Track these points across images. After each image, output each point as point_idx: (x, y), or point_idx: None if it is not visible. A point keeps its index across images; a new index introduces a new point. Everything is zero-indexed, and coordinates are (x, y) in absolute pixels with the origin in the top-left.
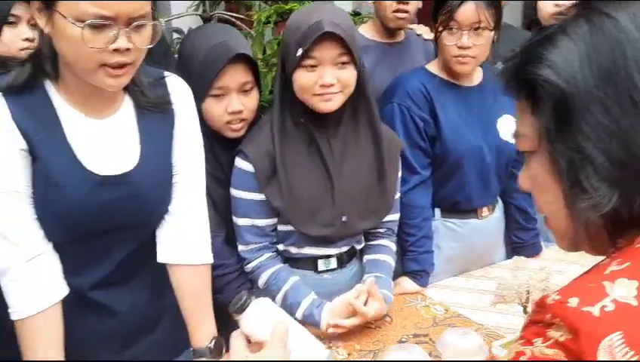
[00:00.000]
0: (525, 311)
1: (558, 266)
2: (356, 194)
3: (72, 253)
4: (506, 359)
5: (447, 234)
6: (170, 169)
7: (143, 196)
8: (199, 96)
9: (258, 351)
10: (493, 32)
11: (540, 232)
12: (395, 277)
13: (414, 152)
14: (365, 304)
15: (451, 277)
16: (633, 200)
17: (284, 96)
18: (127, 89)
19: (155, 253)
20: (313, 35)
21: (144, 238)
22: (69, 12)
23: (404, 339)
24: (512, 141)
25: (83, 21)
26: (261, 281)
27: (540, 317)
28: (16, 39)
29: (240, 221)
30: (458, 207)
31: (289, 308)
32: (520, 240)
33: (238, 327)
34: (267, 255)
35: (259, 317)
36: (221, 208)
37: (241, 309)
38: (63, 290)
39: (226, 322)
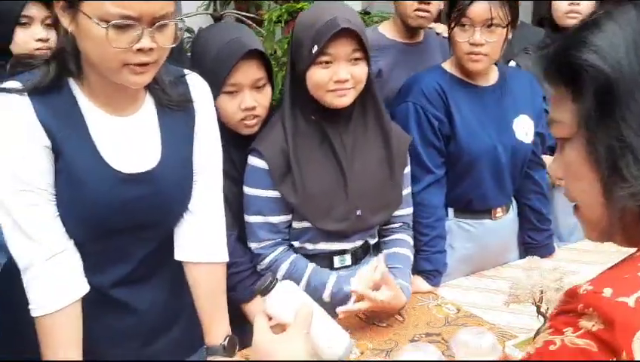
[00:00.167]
0: (539, 311)
1: (571, 266)
2: (369, 189)
3: (94, 251)
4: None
5: (461, 234)
6: (191, 167)
7: (164, 194)
8: (212, 94)
9: (280, 332)
10: (506, 30)
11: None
12: None
13: (428, 151)
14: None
15: (463, 276)
16: None
17: (295, 93)
18: (148, 87)
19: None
20: (329, 32)
21: (164, 237)
22: (94, 12)
23: (416, 338)
24: (528, 141)
25: (107, 21)
26: (280, 273)
27: (571, 307)
28: (30, 40)
29: (253, 218)
30: (472, 207)
31: (314, 291)
32: (533, 240)
33: (251, 327)
34: (281, 248)
35: (283, 299)
36: (234, 206)
37: (267, 290)
38: (84, 288)
39: (239, 320)
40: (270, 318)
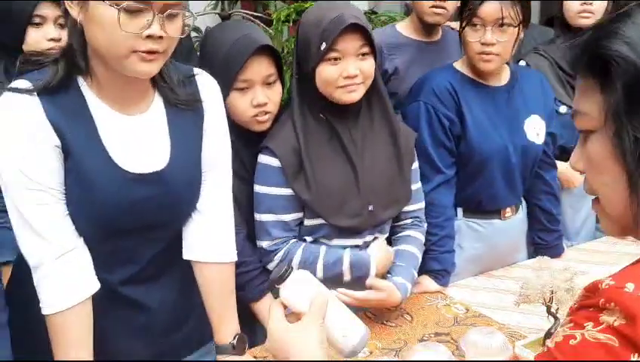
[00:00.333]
0: (549, 312)
1: (581, 267)
2: (379, 184)
3: (103, 251)
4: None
5: (470, 234)
6: (200, 167)
7: (173, 194)
8: (224, 91)
9: (295, 321)
10: (518, 29)
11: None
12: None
13: (439, 151)
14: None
15: (472, 276)
16: None
17: (303, 92)
18: (157, 87)
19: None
20: (337, 29)
21: (173, 236)
22: None
23: (425, 338)
24: (539, 142)
25: (118, 4)
26: (296, 261)
27: (592, 302)
28: (42, 39)
29: (265, 217)
30: (482, 207)
31: (333, 265)
32: (543, 241)
33: (261, 326)
34: (291, 241)
35: (298, 288)
36: (243, 205)
37: (282, 279)
38: (94, 286)
39: (248, 319)
40: (285, 307)
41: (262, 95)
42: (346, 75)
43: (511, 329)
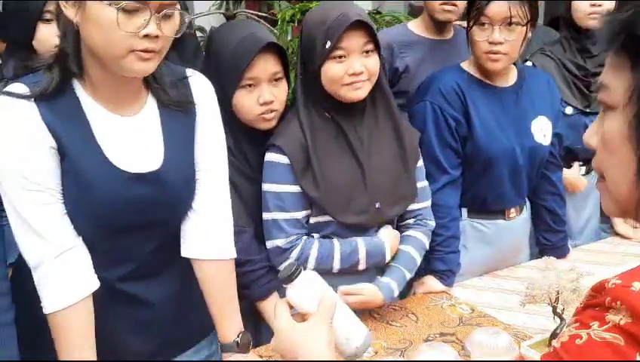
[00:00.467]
0: (554, 312)
1: (585, 267)
2: (386, 181)
3: (101, 249)
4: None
5: (474, 234)
6: (194, 167)
7: (169, 194)
8: (230, 89)
9: (300, 321)
10: (526, 28)
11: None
12: (421, 275)
13: (445, 152)
14: None
15: (476, 277)
16: None
17: (308, 91)
18: (150, 88)
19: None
20: (342, 26)
21: (171, 234)
22: None
23: (430, 338)
24: (546, 143)
25: (117, 4)
26: (313, 256)
27: (598, 301)
28: (52, 36)
29: (278, 215)
30: (486, 208)
31: (349, 256)
32: (548, 241)
33: (266, 325)
34: (304, 238)
35: (306, 289)
36: (249, 204)
37: (290, 279)
38: (94, 284)
39: (253, 318)
40: (291, 307)
41: (268, 93)
42: (352, 72)
43: (516, 329)
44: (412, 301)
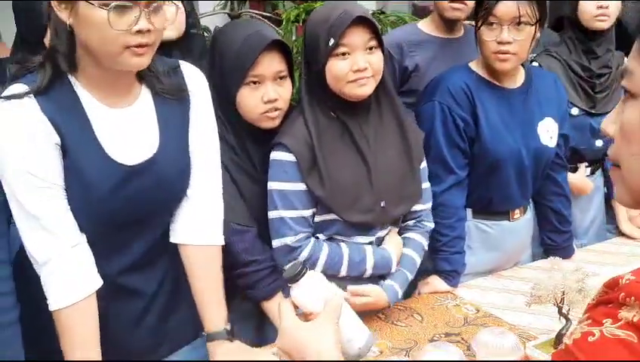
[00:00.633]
0: (560, 312)
1: (590, 268)
2: (391, 180)
3: (101, 243)
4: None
5: (479, 235)
6: (189, 154)
7: (165, 182)
8: (234, 87)
9: (304, 321)
10: (535, 28)
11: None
12: (426, 276)
13: (453, 152)
14: None
15: (481, 277)
16: None
17: (312, 90)
18: (143, 78)
19: None
20: (345, 23)
21: (167, 224)
22: None
23: (436, 338)
24: (552, 145)
25: (107, 5)
26: (322, 259)
27: (610, 297)
28: None
29: (286, 213)
30: (491, 209)
31: (358, 265)
32: (553, 242)
33: (270, 324)
34: (313, 240)
35: (311, 289)
36: (253, 203)
37: (295, 279)
38: (98, 281)
39: (258, 317)
40: (295, 307)
41: (272, 91)
42: (356, 68)
43: (521, 329)
44: (417, 301)
